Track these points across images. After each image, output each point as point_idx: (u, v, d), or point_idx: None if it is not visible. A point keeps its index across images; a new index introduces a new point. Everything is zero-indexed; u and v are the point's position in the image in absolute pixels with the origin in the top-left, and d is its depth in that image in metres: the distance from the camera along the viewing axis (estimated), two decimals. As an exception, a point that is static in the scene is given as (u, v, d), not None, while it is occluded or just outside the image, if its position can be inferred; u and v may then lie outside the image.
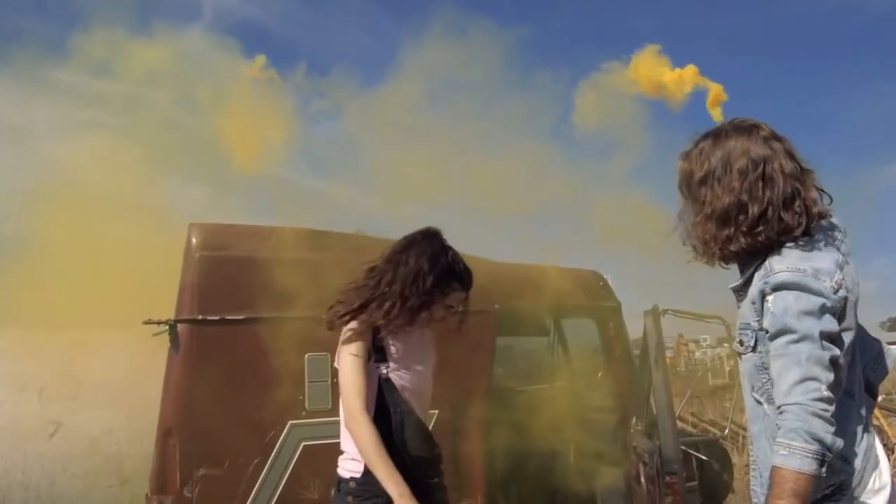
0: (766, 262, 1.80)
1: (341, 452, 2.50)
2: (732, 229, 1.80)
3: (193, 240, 3.49)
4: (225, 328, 3.46)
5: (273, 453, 3.46)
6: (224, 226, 3.69)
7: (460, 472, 3.71)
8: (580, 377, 4.13)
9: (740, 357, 1.89)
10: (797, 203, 1.79)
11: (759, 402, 1.84)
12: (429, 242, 2.56)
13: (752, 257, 1.85)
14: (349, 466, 2.44)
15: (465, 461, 3.72)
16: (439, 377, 3.69)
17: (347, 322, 2.48)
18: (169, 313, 3.49)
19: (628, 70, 3.72)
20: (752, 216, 1.78)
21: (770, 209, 1.78)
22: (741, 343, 1.86)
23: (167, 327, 3.45)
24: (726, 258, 1.88)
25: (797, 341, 1.69)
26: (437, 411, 3.68)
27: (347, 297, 2.56)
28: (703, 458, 3.55)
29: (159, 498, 3.38)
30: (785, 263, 1.77)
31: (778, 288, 1.75)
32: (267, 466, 3.45)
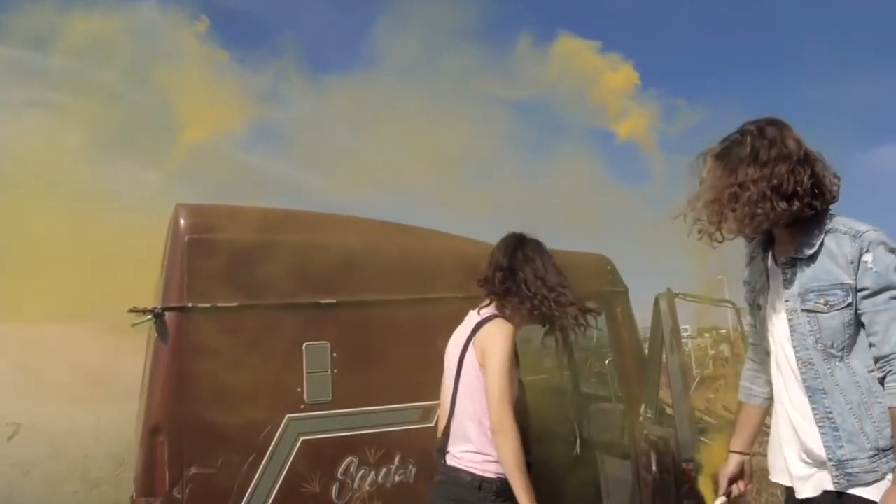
0: (834, 226, 2.06)
1: (477, 453, 2.56)
2: (796, 202, 2.02)
3: (182, 221, 3.25)
4: (217, 316, 3.22)
5: (270, 449, 3.25)
6: (214, 206, 3.45)
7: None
8: (586, 364, 4.01)
9: (814, 316, 2.06)
10: (829, 177, 2.09)
11: (838, 358, 2.04)
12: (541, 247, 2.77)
13: (797, 228, 2.10)
14: (494, 469, 2.53)
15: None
16: (442, 365, 3.53)
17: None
18: (128, 301, 3.24)
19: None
20: (807, 189, 2.02)
21: (819, 182, 2.05)
22: (826, 303, 2.04)
23: (150, 316, 3.21)
24: (766, 228, 2.12)
25: None
26: (439, 402, 3.51)
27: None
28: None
29: (146, 500, 3.14)
30: (858, 224, 2.05)
31: (874, 245, 2.00)
32: (263, 463, 3.23)
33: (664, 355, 3.52)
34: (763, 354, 2.35)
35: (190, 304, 3.18)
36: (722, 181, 2.08)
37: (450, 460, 2.66)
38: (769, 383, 2.31)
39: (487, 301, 2.75)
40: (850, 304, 2.01)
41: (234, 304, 3.25)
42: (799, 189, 2.01)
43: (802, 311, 2.09)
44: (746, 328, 2.51)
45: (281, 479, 3.26)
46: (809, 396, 2.07)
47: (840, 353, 2.04)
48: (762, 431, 2.51)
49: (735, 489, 2.34)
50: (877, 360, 2.01)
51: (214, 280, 3.25)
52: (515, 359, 2.61)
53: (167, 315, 3.17)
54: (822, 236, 2.07)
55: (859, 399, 2.01)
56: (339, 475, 3.35)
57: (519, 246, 2.76)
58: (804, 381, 2.09)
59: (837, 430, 2.01)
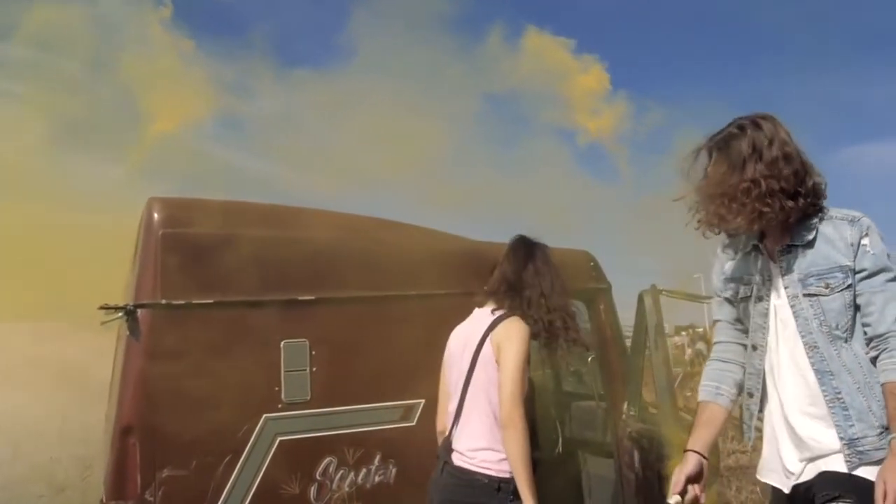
0: (828, 214, 2.15)
1: (490, 450, 2.54)
2: (801, 200, 2.09)
3: (155, 215, 3.13)
4: (191, 313, 3.11)
5: (246, 450, 3.15)
6: (189, 200, 3.33)
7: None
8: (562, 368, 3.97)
9: (816, 300, 2.10)
10: (817, 173, 2.16)
11: (843, 339, 2.09)
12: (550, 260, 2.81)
13: (793, 222, 2.16)
14: (509, 467, 2.51)
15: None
16: (426, 363, 3.47)
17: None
18: (95, 298, 3.12)
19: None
20: (809, 188, 2.11)
21: (815, 178, 2.14)
22: (827, 286, 2.09)
23: (121, 314, 3.09)
24: (772, 225, 2.16)
25: (894, 279, 2.06)
26: (423, 400, 3.45)
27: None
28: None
29: (117, 504, 3.03)
30: (852, 211, 2.15)
31: (871, 230, 2.10)
32: (239, 465, 3.13)
33: (647, 352, 3.50)
34: (736, 353, 2.32)
35: (163, 301, 3.07)
36: (729, 177, 2.10)
37: (458, 460, 2.61)
38: (738, 385, 2.29)
39: (495, 304, 2.76)
40: (849, 286, 2.07)
41: (210, 300, 3.15)
42: (801, 189, 2.09)
43: (804, 295, 2.12)
44: (720, 325, 2.41)
45: (258, 481, 3.16)
46: (819, 379, 2.09)
47: (844, 335, 2.08)
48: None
49: (691, 490, 2.16)
50: (871, 339, 2.07)
51: (189, 276, 3.14)
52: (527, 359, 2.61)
53: (139, 312, 3.06)
54: (818, 224, 2.14)
55: (864, 379, 2.05)
56: (317, 476, 3.27)
57: (530, 259, 2.78)
58: (812, 364, 2.10)
59: (847, 410, 2.04)
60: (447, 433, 2.71)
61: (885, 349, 2.03)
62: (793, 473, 2.13)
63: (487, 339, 2.64)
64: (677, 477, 2.15)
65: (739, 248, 2.30)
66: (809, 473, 2.10)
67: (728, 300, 2.34)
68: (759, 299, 2.22)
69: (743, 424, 2.33)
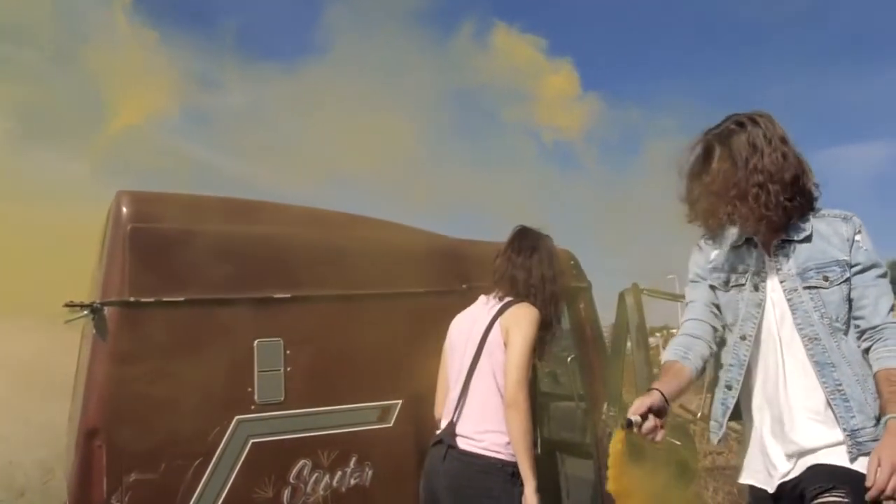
0: (823, 213, 2.22)
1: (499, 433, 2.58)
2: (799, 200, 2.15)
3: (124, 209, 3.01)
4: (161, 311, 3.00)
5: (217, 453, 3.04)
6: (159, 194, 3.21)
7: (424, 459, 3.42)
8: (548, 362, 3.92)
9: (817, 292, 2.14)
10: (812, 173, 2.22)
11: (843, 331, 2.13)
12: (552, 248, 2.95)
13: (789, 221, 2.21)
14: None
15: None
16: (404, 363, 3.40)
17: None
18: (57, 295, 3.01)
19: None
20: (808, 191, 2.19)
21: (813, 179, 2.21)
22: (826, 279, 2.14)
23: (87, 311, 2.96)
24: (773, 222, 2.17)
25: (884, 275, 2.14)
26: (400, 401, 3.38)
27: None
28: (676, 442, 3.41)
29: (82, 509, 2.90)
30: (842, 210, 2.22)
31: (863, 227, 2.18)
32: (210, 468, 3.02)
33: (629, 352, 3.47)
34: (706, 332, 2.29)
35: (132, 299, 2.95)
36: (734, 176, 2.13)
37: (465, 444, 2.62)
38: (703, 360, 2.27)
39: (501, 291, 2.84)
40: (847, 280, 2.13)
41: (180, 298, 3.03)
42: (801, 189, 2.16)
43: (804, 288, 2.15)
44: (693, 305, 2.36)
45: (229, 484, 3.05)
46: (819, 371, 2.10)
47: (844, 327, 2.13)
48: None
49: (652, 420, 2.00)
50: (865, 330, 2.13)
51: (159, 273, 3.02)
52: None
53: (106, 310, 2.93)
54: (811, 221, 2.20)
55: (861, 371, 2.10)
56: (291, 479, 3.17)
57: (535, 248, 2.88)
58: (812, 356, 2.11)
59: (848, 402, 2.06)
60: (450, 419, 2.72)
61: (879, 339, 2.10)
62: (779, 471, 2.11)
63: (496, 324, 2.70)
64: (640, 402, 2.03)
65: (726, 240, 2.30)
66: (798, 469, 2.09)
67: (713, 287, 2.33)
68: (754, 289, 2.22)
69: (712, 422, 2.28)
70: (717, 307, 2.31)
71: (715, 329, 2.30)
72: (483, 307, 2.82)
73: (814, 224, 2.19)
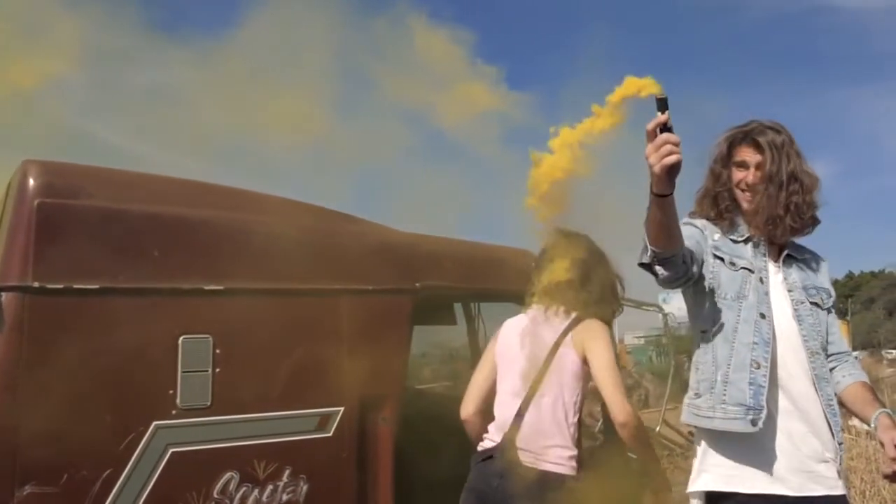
0: (800, 244, 2.41)
1: (564, 448, 2.61)
2: (813, 219, 2.31)
3: (30, 181, 2.62)
4: (70, 300, 2.62)
5: (131, 463, 2.68)
6: (74, 166, 2.83)
7: (367, 478, 3.12)
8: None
9: (817, 310, 2.29)
10: None
11: (825, 355, 2.29)
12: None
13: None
14: (575, 465, 2.62)
15: (373, 467, 3.13)
16: (346, 367, 3.09)
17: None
18: None
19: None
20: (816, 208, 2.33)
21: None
22: (822, 301, 2.31)
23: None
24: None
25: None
26: (342, 408, 3.07)
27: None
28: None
29: (-34, 526, 2.51)
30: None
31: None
32: (121, 480, 2.66)
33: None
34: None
35: (36, 284, 2.56)
36: (778, 175, 2.21)
37: (529, 459, 2.60)
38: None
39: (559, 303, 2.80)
40: (829, 308, 2.34)
41: (95, 285, 2.66)
42: (816, 216, 2.32)
43: (811, 303, 2.29)
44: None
45: (143, 499, 2.69)
46: (816, 385, 2.20)
47: (826, 348, 2.32)
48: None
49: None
50: (833, 354, 2.35)
51: (70, 256, 2.64)
52: None
53: (4, 296, 2.54)
54: (799, 249, 2.40)
55: (833, 392, 2.28)
56: (215, 494, 2.82)
57: (583, 253, 2.81)
58: (812, 370, 2.21)
59: (836, 416, 2.21)
60: (504, 433, 2.68)
61: (847, 361, 2.36)
62: (785, 482, 2.11)
63: (567, 340, 2.69)
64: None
65: (726, 231, 2.35)
66: (806, 489, 2.12)
67: (717, 256, 2.29)
68: (760, 282, 2.25)
69: (732, 406, 2.13)
70: (699, 252, 2.27)
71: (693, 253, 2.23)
72: (543, 321, 2.79)
73: (803, 253, 2.38)
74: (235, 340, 2.89)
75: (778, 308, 2.23)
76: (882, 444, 2.05)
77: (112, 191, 2.78)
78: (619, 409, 2.52)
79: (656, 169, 1.72)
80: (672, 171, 1.73)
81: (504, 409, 2.75)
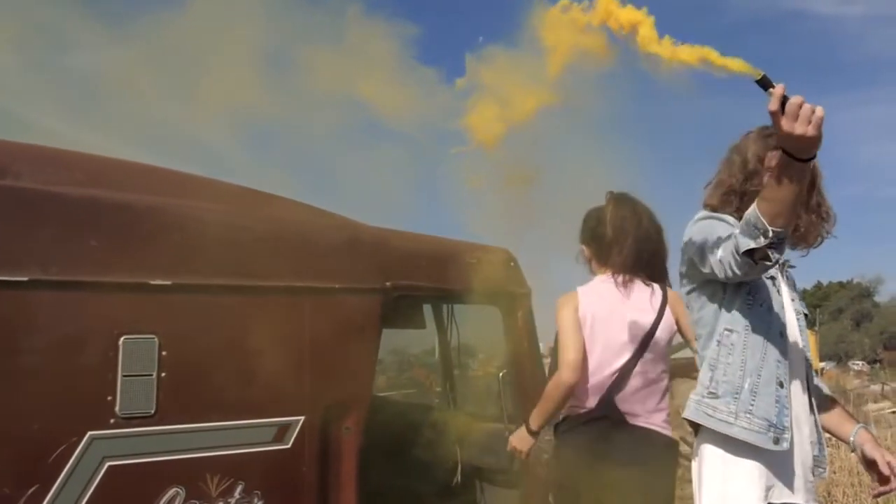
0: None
1: (665, 411, 2.84)
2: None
3: (-51, 158, 2.33)
4: (-6, 294, 2.32)
5: (60, 478, 2.38)
6: (5, 143, 2.54)
7: (329, 494, 2.87)
8: (479, 377, 3.48)
9: (805, 321, 2.25)
10: None
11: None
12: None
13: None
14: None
15: (335, 482, 2.87)
16: (307, 373, 2.87)
17: None
18: None
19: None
20: None
21: None
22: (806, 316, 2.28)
23: None
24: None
25: None
26: (302, 417, 2.81)
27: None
28: None
29: None
30: None
31: None
32: (50, 497, 2.36)
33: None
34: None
35: (-47, 274, 2.26)
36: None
37: (637, 421, 2.77)
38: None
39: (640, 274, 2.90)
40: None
41: (23, 278, 2.36)
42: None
43: (804, 314, 2.25)
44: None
45: (74, 519, 2.39)
46: (811, 399, 2.20)
47: None
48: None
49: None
50: None
51: (-4, 244, 2.35)
52: None
53: (-85, 287, 2.24)
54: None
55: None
56: (158, 512, 2.54)
57: (658, 224, 2.93)
58: (807, 377, 2.21)
59: (822, 430, 2.23)
60: (601, 398, 2.78)
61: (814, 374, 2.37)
62: (800, 494, 2.11)
63: (667, 311, 2.84)
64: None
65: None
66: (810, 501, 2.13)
67: None
68: (778, 293, 2.19)
69: (758, 420, 2.05)
70: None
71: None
72: (634, 291, 2.87)
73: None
74: (184, 342, 2.61)
75: (790, 321, 2.20)
76: (869, 463, 2.14)
77: (43, 171, 2.49)
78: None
79: (810, 130, 1.64)
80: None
81: (600, 375, 2.82)
